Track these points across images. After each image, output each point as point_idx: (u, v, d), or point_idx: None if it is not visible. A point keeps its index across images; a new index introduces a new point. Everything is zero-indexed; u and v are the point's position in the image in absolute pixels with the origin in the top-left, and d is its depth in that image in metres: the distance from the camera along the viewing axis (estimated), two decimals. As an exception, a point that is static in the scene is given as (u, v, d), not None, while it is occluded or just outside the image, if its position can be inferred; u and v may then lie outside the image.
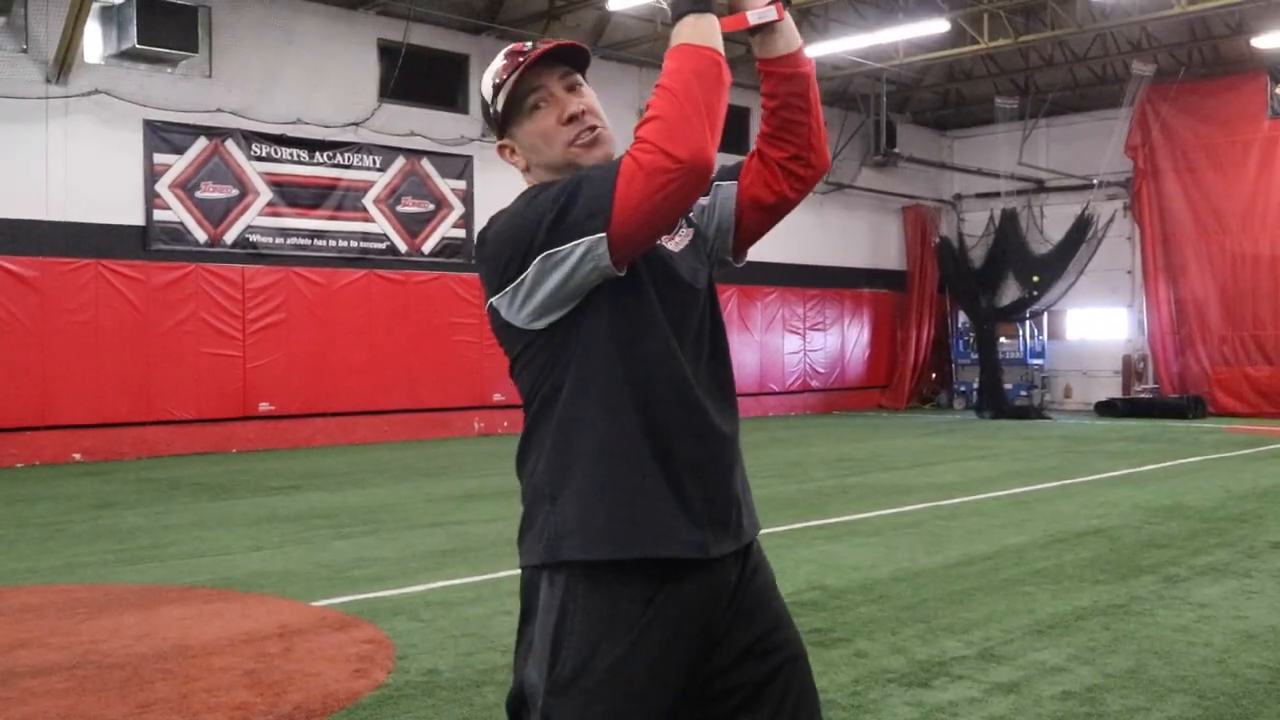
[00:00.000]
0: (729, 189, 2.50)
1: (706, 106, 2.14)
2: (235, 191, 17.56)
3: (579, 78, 2.42)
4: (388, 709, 5.06)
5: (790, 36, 2.39)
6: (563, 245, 2.19)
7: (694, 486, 2.30)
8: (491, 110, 2.42)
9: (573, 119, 2.36)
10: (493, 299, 2.33)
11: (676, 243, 2.44)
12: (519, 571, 2.42)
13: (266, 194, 17.88)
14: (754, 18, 2.34)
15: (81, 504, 11.72)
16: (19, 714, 5.00)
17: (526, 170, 2.44)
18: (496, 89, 2.38)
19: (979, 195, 28.25)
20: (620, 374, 2.27)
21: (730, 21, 2.33)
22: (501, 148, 2.47)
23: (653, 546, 2.25)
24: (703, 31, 2.20)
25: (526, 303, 2.27)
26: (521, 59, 2.36)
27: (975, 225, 28.00)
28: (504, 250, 2.28)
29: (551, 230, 2.20)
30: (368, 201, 18.97)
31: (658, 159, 2.11)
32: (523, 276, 2.24)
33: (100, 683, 5.46)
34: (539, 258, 2.21)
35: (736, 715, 2.36)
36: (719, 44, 2.21)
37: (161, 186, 16.86)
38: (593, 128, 2.38)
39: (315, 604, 7.12)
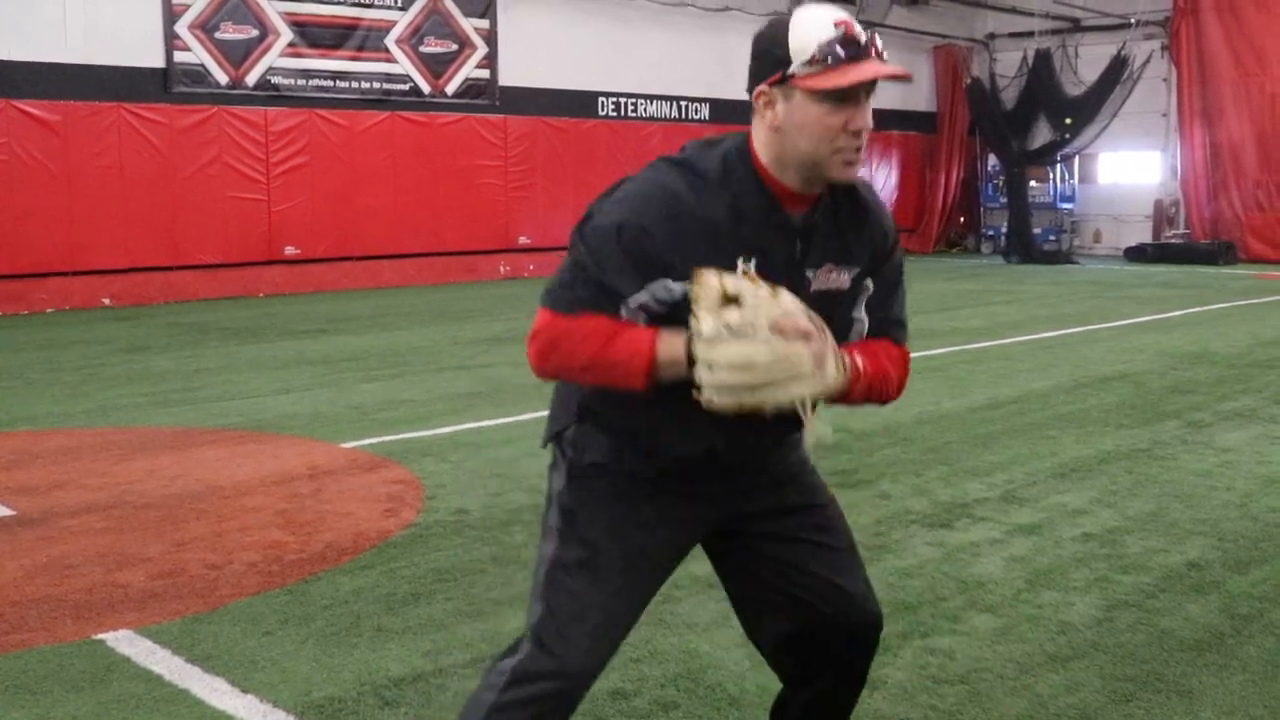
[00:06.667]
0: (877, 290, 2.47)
1: (579, 370, 2.28)
2: (256, 32, 17.28)
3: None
4: (418, 547, 5.16)
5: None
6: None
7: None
8: (782, 63, 2.16)
9: (856, 134, 2.19)
10: None
11: (819, 280, 2.36)
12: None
13: (287, 34, 17.60)
14: (810, 436, 2.22)
15: (113, 348, 11.84)
16: (59, 551, 5.13)
17: (774, 130, 2.22)
18: (814, 59, 2.13)
19: (1012, 35, 27.53)
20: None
21: None
22: (760, 95, 2.21)
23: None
24: (667, 355, 2.18)
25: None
26: (858, 49, 2.14)
27: (1008, 66, 27.37)
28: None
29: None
30: (390, 42, 18.65)
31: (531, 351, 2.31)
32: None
33: (137, 522, 5.59)
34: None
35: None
36: (652, 371, 2.19)
37: (181, 27, 16.60)
38: (859, 149, 2.22)
39: (345, 445, 7.22)
